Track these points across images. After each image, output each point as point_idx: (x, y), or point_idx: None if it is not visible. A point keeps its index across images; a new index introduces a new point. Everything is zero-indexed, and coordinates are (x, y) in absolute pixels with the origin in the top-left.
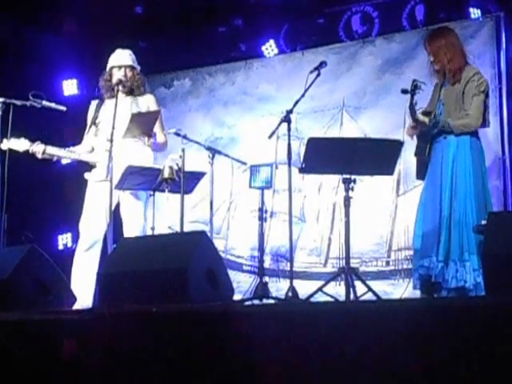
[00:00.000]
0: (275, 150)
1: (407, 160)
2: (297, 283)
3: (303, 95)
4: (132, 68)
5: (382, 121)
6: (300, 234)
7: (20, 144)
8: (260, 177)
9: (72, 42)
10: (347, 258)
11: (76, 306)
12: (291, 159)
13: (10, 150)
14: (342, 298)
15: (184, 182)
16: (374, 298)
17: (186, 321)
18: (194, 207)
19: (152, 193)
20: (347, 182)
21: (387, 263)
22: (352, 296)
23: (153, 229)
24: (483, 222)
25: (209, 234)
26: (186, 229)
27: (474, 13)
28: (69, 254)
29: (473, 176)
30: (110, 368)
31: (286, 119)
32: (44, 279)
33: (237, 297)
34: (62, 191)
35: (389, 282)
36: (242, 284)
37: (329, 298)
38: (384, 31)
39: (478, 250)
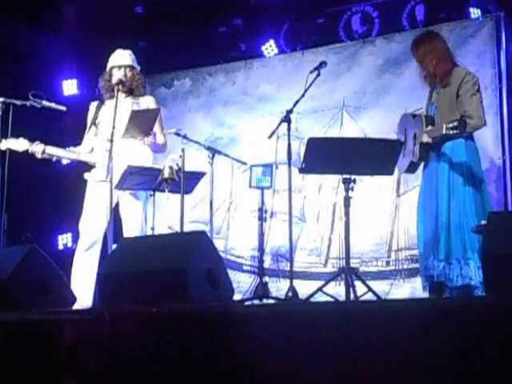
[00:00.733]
0: (275, 150)
1: None
2: (297, 283)
3: (303, 95)
4: (132, 68)
5: (381, 121)
6: (300, 234)
7: (19, 144)
8: (260, 177)
9: (72, 41)
10: (347, 258)
11: (76, 306)
12: (291, 159)
13: (10, 150)
14: (342, 298)
15: (184, 181)
16: (374, 298)
17: (186, 321)
18: (193, 207)
19: (152, 193)
20: (347, 182)
21: (387, 263)
22: (352, 296)
23: (153, 229)
24: (483, 222)
25: (209, 234)
26: (186, 229)
27: (474, 13)
28: (69, 254)
29: (469, 177)
30: (110, 368)
31: (286, 119)
32: (44, 279)
33: (237, 297)
34: (61, 191)
35: (389, 282)
36: (242, 284)
37: (329, 298)
38: (384, 31)
39: (479, 249)
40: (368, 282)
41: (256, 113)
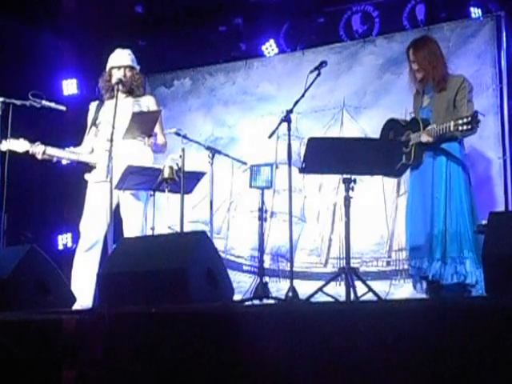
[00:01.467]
0: (275, 150)
1: None
2: (297, 283)
3: (303, 95)
4: (131, 68)
5: (382, 120)
6: (300, 234)
7: (20, 145)
8: (260, 177)
9: (72, 41)
10: (347, 258)
11: (76, 306)
12: (291, 159)
13: (10, 151)
14: (343, 298)
15: (184, 181)
16: (375, 298)
17: (186, 321)
18: (194, 207)
19: (152, 193)
20: (347, 182)
21: (388, 263)
22: (352, 296)
23: (153, 229)
24: (484, 222)
25: (209, 234)
26: (186, 229)
27: (475, 12)
28: (69, 254)
29: (464, 178)
30: (109, 368)
31: (286, 119)
32: (44, 279)
33: (237, 297)
34: (61, 191)
35: (389, 282)
36: (241, 284)
37: (329, 298)
38: (384, 31)
39: (476, 249)
40: (368, 282)
41: (256, 112)
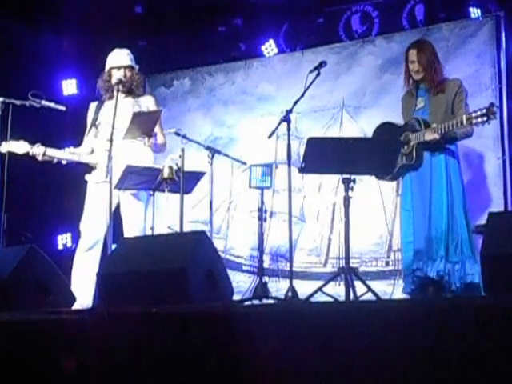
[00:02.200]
0: (275, 150)
1: None
2: (296, 283)
3: (303, 95)
4: (131, 68)
5: (381, 120)
6: (300, 233)
7: (20, 146)
8: (260, 177)
9: (71, 41)
10: (347, 257)
11: (76, 306)
12: (291, 159)
13: (10, 152)
14: (342, 298)
15: (183, 181)
16: (374, 298)
17: (186, 321)
18: (193, 207)
19: (152, 193)
20: (347, 182)
21: (387, 263)
22: (352, 296)
23: (152, 229)
24: (483, 222)
25: (208, 234)
26: (186, 229)
27: (474, 12)
28: (68, 254)
29: (461, 183)
30: (109, 368)
31: (286, 119)
32: (44, 279)
33: (236, 297)
34: (61, 191)
35: (388, 282)
36: (241, 284)
37: (328, 298)
38: (384, 31)
39: (473, 249)
40: (368, 282)
41: (256, 112)
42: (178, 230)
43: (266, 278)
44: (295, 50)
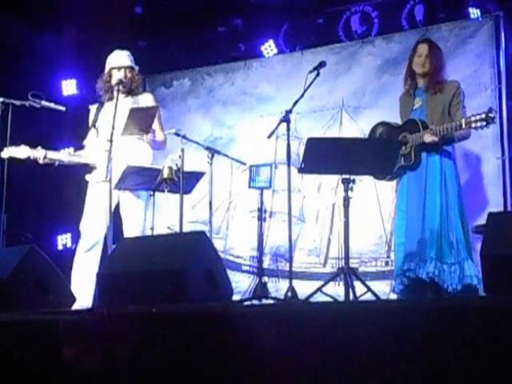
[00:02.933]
0: (274, 150)
1: None
2: (296, 283)
3: (302, 95)
4: (131, 69)
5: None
6: (299, 234)
7: (21, 151)
8: (259, 177)
9: (71, 41)
10: (346, 258)
11: (76, 306)
12: (290, 159)
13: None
14: (341, 298)
15: (183, 182)
16: (374, 298)
17: (186, 321)
18: (193, 207)
19: (152, 193)
20: (346, 183)
21: (386, 263)
22: (351, 296)
23: (152, 229)
24: (482, 223)
25: (208, 234)
26: (186, 229)
27: (474, 13)
28: (68, 254)
29: (457, 184)
30: (109, 368)
31: (286, 119)
32: (43, 279)
33: (236, 297)
34: (61, 191)
35: (388, 282)
36: (241, 284)
37: (328, 299)
38: (383, 31)
39: (469, 250)
40: (367, 282)
41: (255, 113)
42: (177, 230)
43: (265, 278)
44: (295, 51)
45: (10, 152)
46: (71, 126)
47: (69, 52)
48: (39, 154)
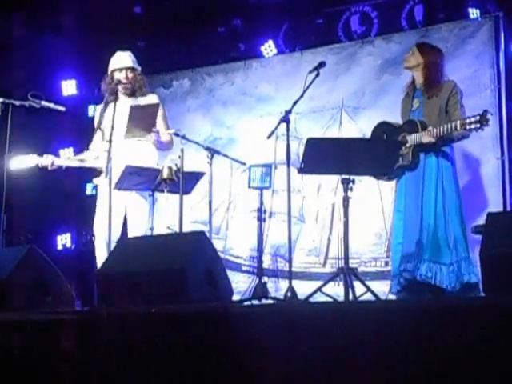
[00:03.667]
0: (274, 150)
1: None
2: (296, 283)
3: (302, 95)
4: (133, 69)
5: (380, 121)
6: (299, 234)
7: (29, 160)
8: (259, 177)
9: (71, 42)
10: (346, 258)
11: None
12: (290, 159)
13: (7, 147)
14: (341, 298)
15: (183, 182)
16: (373, 298)
17: (185, 321)
18: (192, 207)
19: (151, 193)
20: (346, 183)
21: (386, 263)
22: (351, 296)
23: (151, 229)
24: (482, 223)
25: (208, 235)
26: (185, 229)
27: (473, 13)
28: (68, 254)
29: (455, 184)
30: (109, 368)
31: (285, 119)
32: (43, 279)
33: (236, 297)
34: (61, 192)
35: (387, 282)
36: (240, 284)
37: (328, 299)
38: (383, 31)
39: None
40: (367, 282)
41: (255, 113)
42: (177, 230)
43: (265, 279)
44: (294, 51)
45: (20, 163)
46: (71, 127)
47: (69, 52)
48: (47, 161)
